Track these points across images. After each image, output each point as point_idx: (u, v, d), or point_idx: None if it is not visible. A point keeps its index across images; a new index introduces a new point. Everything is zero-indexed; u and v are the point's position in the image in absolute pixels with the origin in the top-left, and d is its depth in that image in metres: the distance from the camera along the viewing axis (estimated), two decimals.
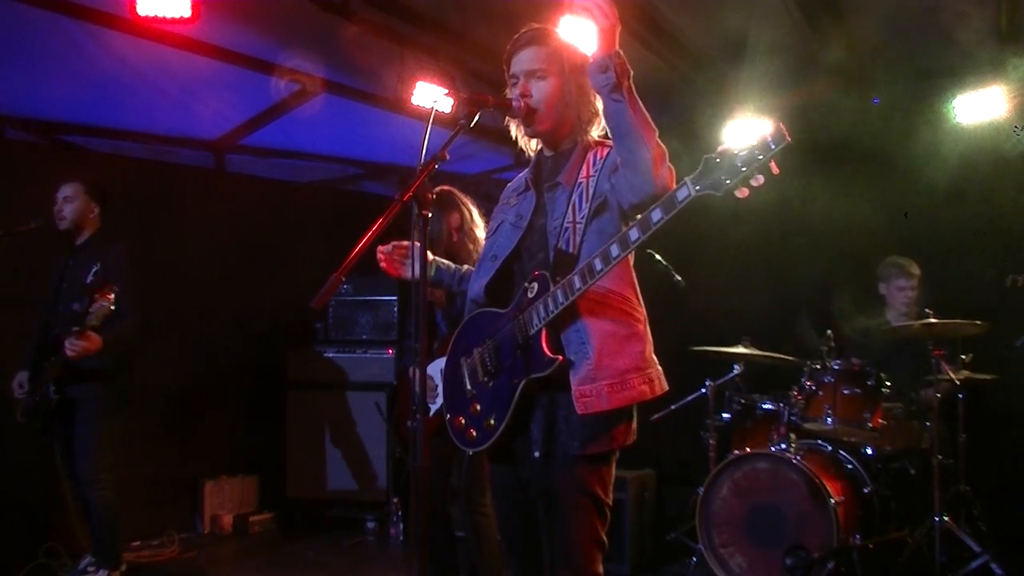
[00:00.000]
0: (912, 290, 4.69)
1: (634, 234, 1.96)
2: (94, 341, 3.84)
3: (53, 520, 4.51)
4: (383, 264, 2.46)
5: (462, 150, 5.60)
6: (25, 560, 4.46)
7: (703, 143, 5.30)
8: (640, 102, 2.06)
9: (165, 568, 4.84)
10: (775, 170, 1.81)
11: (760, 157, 1.80)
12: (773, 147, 1.79)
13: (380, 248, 2.47)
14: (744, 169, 1.81)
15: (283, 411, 5.81)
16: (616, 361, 2.11)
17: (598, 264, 2.01)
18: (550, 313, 2.09)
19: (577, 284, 2.04)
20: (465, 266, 2.61)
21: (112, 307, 3.77)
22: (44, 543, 4.52)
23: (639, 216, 1.99)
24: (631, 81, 2.06)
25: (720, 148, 1.85)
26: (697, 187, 1.87)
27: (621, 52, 2.05)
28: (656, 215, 1.94)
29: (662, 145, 2.06)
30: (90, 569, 4.16)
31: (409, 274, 2.42)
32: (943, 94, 4.74)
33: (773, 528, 3.90)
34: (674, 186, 2.01)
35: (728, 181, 1.83)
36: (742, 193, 1.84)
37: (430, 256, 2.50)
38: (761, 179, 1.81)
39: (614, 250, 1.99)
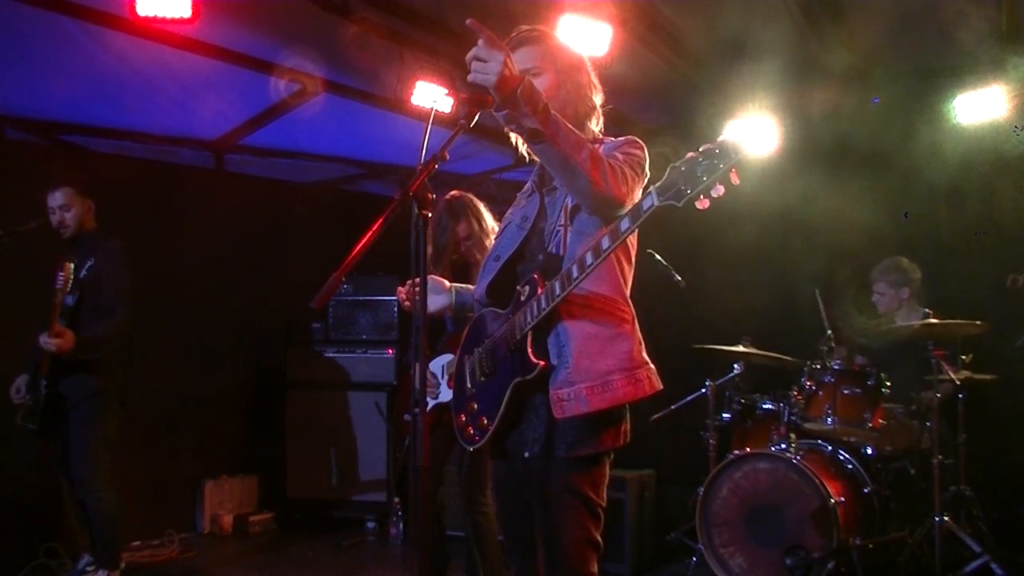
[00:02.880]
0: (883, 295, 4.66)
1: (605, 242, 1.97)
2: (68, 339, 3.87)
3: (53, 520, 4.52)
4: (407, 304, 2.45)
5: (462, 150, 5.60)
6: (25, 560, 4.46)
7: (703, 143, 5.29)
8: (559, 124, 1.97)
9: (165, 568, 4.84)
10: (735, 180, 1.78)
11: (720, 167, 1.77)
12: (733, 156, 1.77)
13: (400, 288, 2.50)
14: (704, 179, 1.78)
15: (283, 411, 5.81)
16: (597, 363, 2.09)
17: (575, 271, 2.01)
18: (535, 317, 2.09)
19: (557, 290, 2.05)
20: None
21: (69, 277, 3.84)
22: (44, 543, 4.52)
23: (609, 225, 1.99)
24: (545, 108, 1.95)
25: (687, 156, 1.82)
26: (660, 198, 1.85)
27: (523, 86, 1.91)
28: (624, 224, 1.94)
29: (598, 156, 2.01)
30: (89, 569, 4.16)
31: (432, 307, 2.47)
32: (943, 94, 4.73)
33: (773, 528, 3.90)
34: (623, 191, 2.03)
35: (688, 192, 1.80)
36: (702, 204, 1.80)
37: (447, 284, 2.52)
38: (722, 190, 1.78)
39: (588, 257, 1.99)
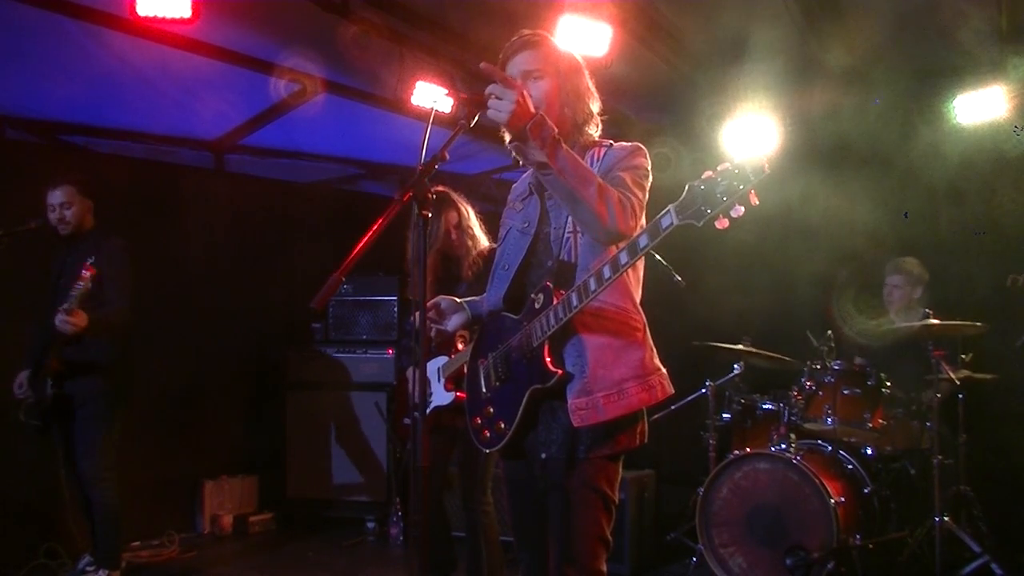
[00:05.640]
0: (899, 288, 4.67)
1: (623, 257, 1.99)
2: (80, 316, 3.84)
3: (53, 520, 4.52)
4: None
5: (462, 150, 5.60)
6: (25, 560, 4.46)
7: (703, 143, 5.31)
8: (567, 159, 2.01)
9: (165, 568, 4.84)
10: (754, 201, 1.79)
11: (740, 188, 1.78)
12: (753, 178, 1.77)
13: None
14: (724, 199, 1.79)
15: (283, 411, 5.81)
16: (612, 372, 2.13)
17: (592, 284, 2.03)
18: (552, 327, 2.11)
19: (575, 301, 2.07)
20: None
21: (88, 284, 3.79)
22: (44, 543, 4.52)
23: (627, 241, 2.01)
24: (555, 141, 1.99)
25: (705, 174, 1.83)
26: (679, 216, 1.87)
27: (534, 121, 1.97)
28: (643, 240, 1.96)
29: (606, 191, 2.03)
30: (89, 569, 4.17)
31: (451, 327, 2.49)
32: (943, 94, 4.73)
33: (773, 528, 3.90)
34: (629, 225, 2.05)
35: (708, 211, 1.82)
36: (722, 224, 1.82)
37: (458, 300, 2.52)
38: (742, 210, 1.79)
39: (606, 271, 2.01)
